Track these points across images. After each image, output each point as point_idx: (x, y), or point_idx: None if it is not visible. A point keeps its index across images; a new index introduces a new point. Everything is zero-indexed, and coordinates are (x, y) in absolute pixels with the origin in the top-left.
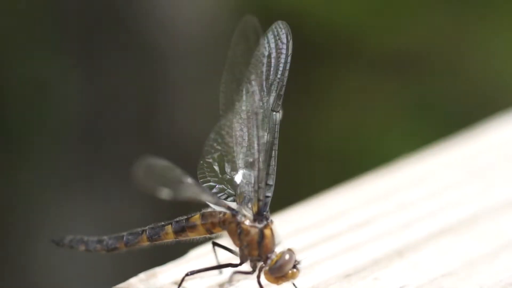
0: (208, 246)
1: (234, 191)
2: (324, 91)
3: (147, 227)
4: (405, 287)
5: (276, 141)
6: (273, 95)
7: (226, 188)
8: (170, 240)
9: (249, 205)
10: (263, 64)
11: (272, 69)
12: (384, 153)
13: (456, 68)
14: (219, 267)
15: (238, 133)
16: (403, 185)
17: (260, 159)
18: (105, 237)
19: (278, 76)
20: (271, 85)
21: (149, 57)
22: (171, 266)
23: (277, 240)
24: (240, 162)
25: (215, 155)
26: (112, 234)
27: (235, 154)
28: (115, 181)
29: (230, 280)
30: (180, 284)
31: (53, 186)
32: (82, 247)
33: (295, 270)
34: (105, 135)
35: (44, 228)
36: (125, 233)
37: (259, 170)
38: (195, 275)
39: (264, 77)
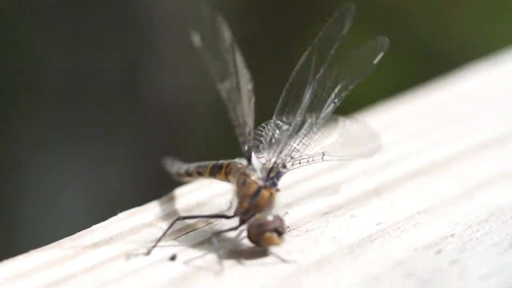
0: (184, 190)
1: (268, 153)
2: None
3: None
4: (382, 224)
5: (315, 135)
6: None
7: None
8: (207, 177)
9: (267, 168)
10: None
11: None
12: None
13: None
14: (212, 216)
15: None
16: (381, 128)
17: (289, 133)
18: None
19: None
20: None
21: (134, 20)
22: (149, 206)
23: (274, 207)
24: (280, 131)
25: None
26: (99, 195)
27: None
28: (100, 143)
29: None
30: (168, 228)
31: (39, 149)
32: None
33: (274, 235)
34: (91, 98)
35: (30, 189)
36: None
37: (284, 142)
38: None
39: None
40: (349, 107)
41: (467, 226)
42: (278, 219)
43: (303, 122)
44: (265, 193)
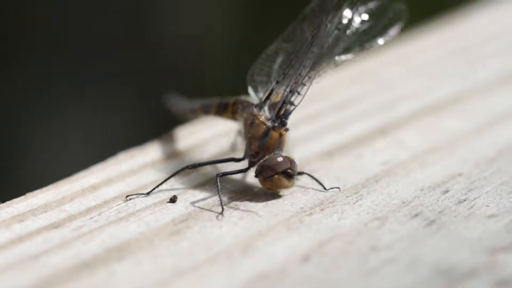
0: (185, 130)
1: (275, 92)
2: None
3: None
4: (388, 163)
5: (321, 59)
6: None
7: (273, 87)
8: (213, 115)
9: (275, 107)
10: None
11: None
12: None
13: None
14: (221, 161)
15: (293, 39)
16: (387, 66)
17: (298, 67)
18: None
19: None
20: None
21: None
22: (149, 147)
23: (283, 147)
24: (286, 66)
25: (272, 57)
26: (99, 137)
27: (287, 58)
28: (100, 86)
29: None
30: (174, 174)
31: (44, 98)
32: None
33: (283, 178)
34: (94, 47)
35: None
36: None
37: (292, 76)
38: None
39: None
40: None
41: (476, 165)
42: (288, 161)
43: (309, 64)
44: (274, 134)
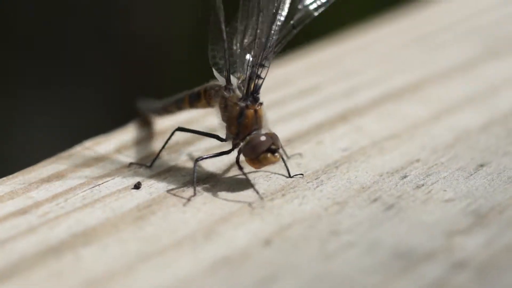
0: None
1: (240, 70)
2: None
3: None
4: (348, 150)
5: (277, 27)
6: None
7: (235, 65)
8: (188, 108)
9: (244, 85)
10: None
11: None
12: (331, 22)
13: None
14: (207, 134)
15: (245, 16)
16: (348, 54)
17: (257, 39)
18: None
19: None
20: None
21: None
22: (114, 135)
23: (262, 122)
24: (244, 43)
25: (227, 34)
26: (69, 130)
27: (242, 35)
28: (71, 85)
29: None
30: (168, 139)
31: (10, 86)
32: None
33: (268, 155)
34: (63, 40)
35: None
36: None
37: (252, 49)
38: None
39: None
40: (314, 31)
41: (433, 151)
42: (270, 137)
43: (266, 39)
44: (249, 112)
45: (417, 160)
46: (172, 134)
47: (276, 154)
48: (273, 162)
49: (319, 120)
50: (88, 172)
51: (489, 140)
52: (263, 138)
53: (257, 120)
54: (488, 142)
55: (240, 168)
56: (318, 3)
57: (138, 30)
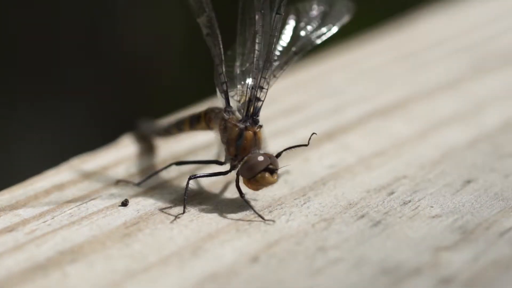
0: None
1: (240, 93)
2: None
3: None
4: (334, 166)
5: (276, 51)
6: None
7: (235, 87)
8: (188, 130)
9: (244, 107)
10: None
11: None
12: None
13: None
14: (205, 162)
15: (244, 41)
16: (334, 71)
17: (255, 61)
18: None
19: None
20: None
21: None
22: (101, 153)
23: (261, 144)
24: (245, 67)
25: (227, 57)
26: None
27: (241, 58)
28: (62, 102)
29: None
30: (162, 169)
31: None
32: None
33: (266, 174)
34: (53, 57)
35: None
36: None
37: (251, 72)
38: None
39: None
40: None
41: (420, 167)
42: (268, 157)
43: (266, 62)
44: (248, 134)
45: (404, 177)
46: (168, 166)
47: (275, 174)
48: (271, 183)
49: (305, 138)
50: (75, 189)
51: (476, 156)
52: (260, 158)
53: (256, 142)
54: (475, 159)
55: (240, 192)
56: (320, 32)
57: (129, 46)
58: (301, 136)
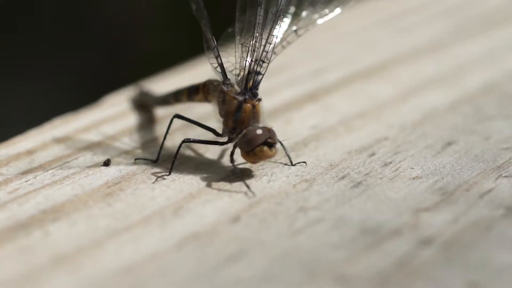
0: (114, 97)
1: (239, 66)
2: None
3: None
4: (316, 127)
5: (278, 26)
6: None
7: (237, 62)
8: (186, 101)
9: (243, 80)
10: None
11: None
12: None
13: None
14: (204, 126)
15: (244, 17)
16: (317, 33)
17: (255, 34)
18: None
19: None
20: None
21: None
22: (83, 114)
23: (259, 118)
24: (245, 41)
25: (233, 34)
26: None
27: (243, 34)
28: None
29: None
30: (169, 126)
31: None
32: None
33: (265, 148)
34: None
35: None
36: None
37: (251, 45)
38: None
39: None
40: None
41: (401, 129)
42: (266, 130)
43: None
44: (247, 106)
45: (385, 138)
46: (171, 121)
47: (273, 148)
48: (269, 156)
49: (288, 99)
50: (57, 149)
51: (457, 119)
52: (259, 131)
53: (255, 115)
54: (456, 121)
55: (232, 161)
56: (323, 13)
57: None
58: (284, 97)
